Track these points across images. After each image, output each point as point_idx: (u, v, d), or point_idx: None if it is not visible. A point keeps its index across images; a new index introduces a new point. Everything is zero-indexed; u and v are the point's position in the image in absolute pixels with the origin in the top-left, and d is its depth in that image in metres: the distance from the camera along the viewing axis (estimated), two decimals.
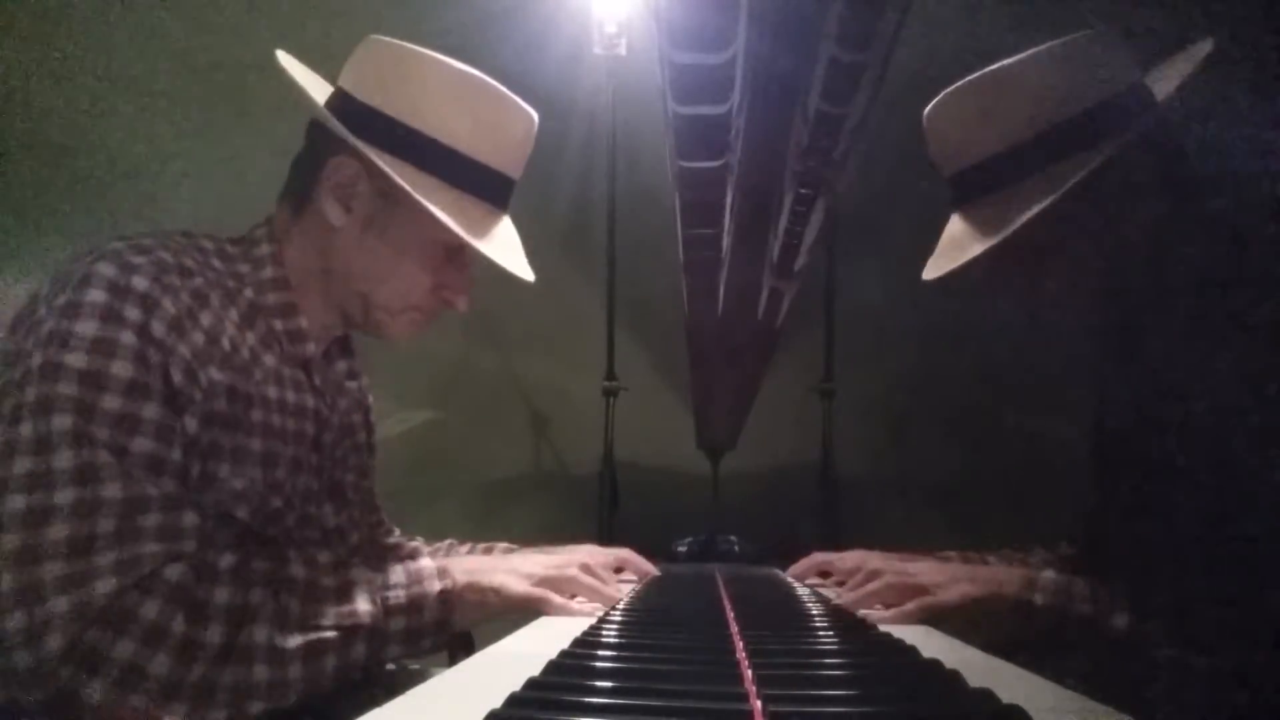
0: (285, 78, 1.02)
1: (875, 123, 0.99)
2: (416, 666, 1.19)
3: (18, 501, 0.78)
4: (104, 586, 0.78)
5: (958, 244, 1.06)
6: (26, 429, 0.80)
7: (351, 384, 1.17)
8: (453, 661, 1.10)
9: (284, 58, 1.05)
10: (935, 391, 2.60)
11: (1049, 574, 1.00)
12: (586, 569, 1.09)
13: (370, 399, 1.26)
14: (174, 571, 0.81)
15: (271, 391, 0.99)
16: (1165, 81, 1.01)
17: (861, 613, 1.03)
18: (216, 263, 0.99)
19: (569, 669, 0.61)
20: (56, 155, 2.21)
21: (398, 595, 0.95)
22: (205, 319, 0.92)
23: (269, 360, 1.00)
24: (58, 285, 0.87)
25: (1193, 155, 1.01)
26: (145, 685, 0.77)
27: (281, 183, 1.08)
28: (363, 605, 0.91)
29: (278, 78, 1.03)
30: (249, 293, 1.00)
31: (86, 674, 0.76)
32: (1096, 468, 1.15)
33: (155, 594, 0.80)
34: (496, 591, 1.00)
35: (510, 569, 1.03)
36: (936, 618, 1.00)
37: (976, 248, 1.01)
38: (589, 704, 0.51)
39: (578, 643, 0.71)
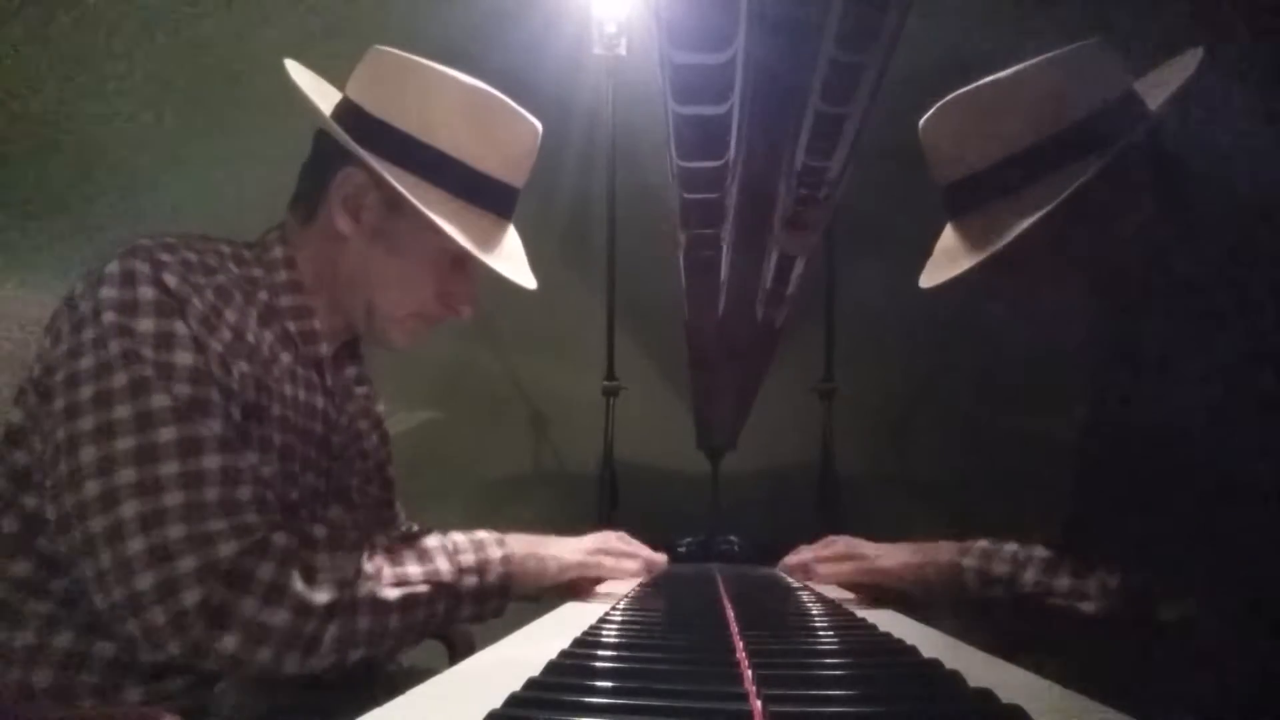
0: (295, 91, 1.03)
1: (875, 123, 0.99)
2: (416, 666, 1.19)
3: (129, 475, 0.83)
4: (226, 549, 0.83)
5: (952, 254, 1.07)
6: (124, 410, 0.85)
7: (359, 390, 1.18)
8: (453, 661, 1.10)
9: (293, 66, 1.06)
10: (935, 391, 2.60)
11: (981, 541, 1.10)
12: (626, 540, 1.19)
13: (381, 408, 1.27)
14: (281, 538, 0.87)
15: (288, 389, 1.02)
16: (1157, 90, 1.01)
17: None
18: (233, 266, 1.01)
19: (569, 669, 0.61)
20: (52, 156, 2.22)
21: (468, 558, 1.02)
22: (230, 315, 0.95)
23: (285, 358, 1.02)
24: (96, 281, 0.90)
25: (1186, 163, 1.01)
26: (268, 639, 0.84)
27: (281, 186, 1.09)
28: (443, 565, 0.99)
29: (284, 84, 1.03)
30: (264, 295, 1.02)
31: (218, 628, 0.82)
32: (1086, 468, 1.16)
33: (270, 557, 0.85)
34: (556, 558, 1.08)
35: (561, 544, 1.12)
36: (875, 581, 1.15)
37: (970, 259, 1.02)
38: (589, 704, 0.51)
39: (578, 643, 0.71)
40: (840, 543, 1.26)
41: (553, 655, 0.63)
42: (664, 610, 1.02)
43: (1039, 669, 0.66)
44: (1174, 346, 0.97)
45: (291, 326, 1.03)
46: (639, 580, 1.20)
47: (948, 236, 1.10)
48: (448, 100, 1.04)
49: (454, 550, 1.01)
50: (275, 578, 0.85)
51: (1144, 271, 1.01)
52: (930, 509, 2.55)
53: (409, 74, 1.04)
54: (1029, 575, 1.03)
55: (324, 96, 1.07)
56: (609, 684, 0.56)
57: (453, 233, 0.99)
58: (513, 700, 0.50)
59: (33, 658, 0.86)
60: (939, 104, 1.06)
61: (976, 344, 2.28)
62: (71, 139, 2.21)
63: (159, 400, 0.85)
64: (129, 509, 0.82)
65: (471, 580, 1.01)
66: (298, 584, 0.86)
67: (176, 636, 0.81)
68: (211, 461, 0.86)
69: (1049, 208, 0.94)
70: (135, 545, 0.81)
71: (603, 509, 2.13)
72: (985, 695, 0.53)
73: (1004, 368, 2.32)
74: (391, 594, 0.93)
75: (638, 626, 0.84)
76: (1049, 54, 1.01)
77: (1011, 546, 1.08)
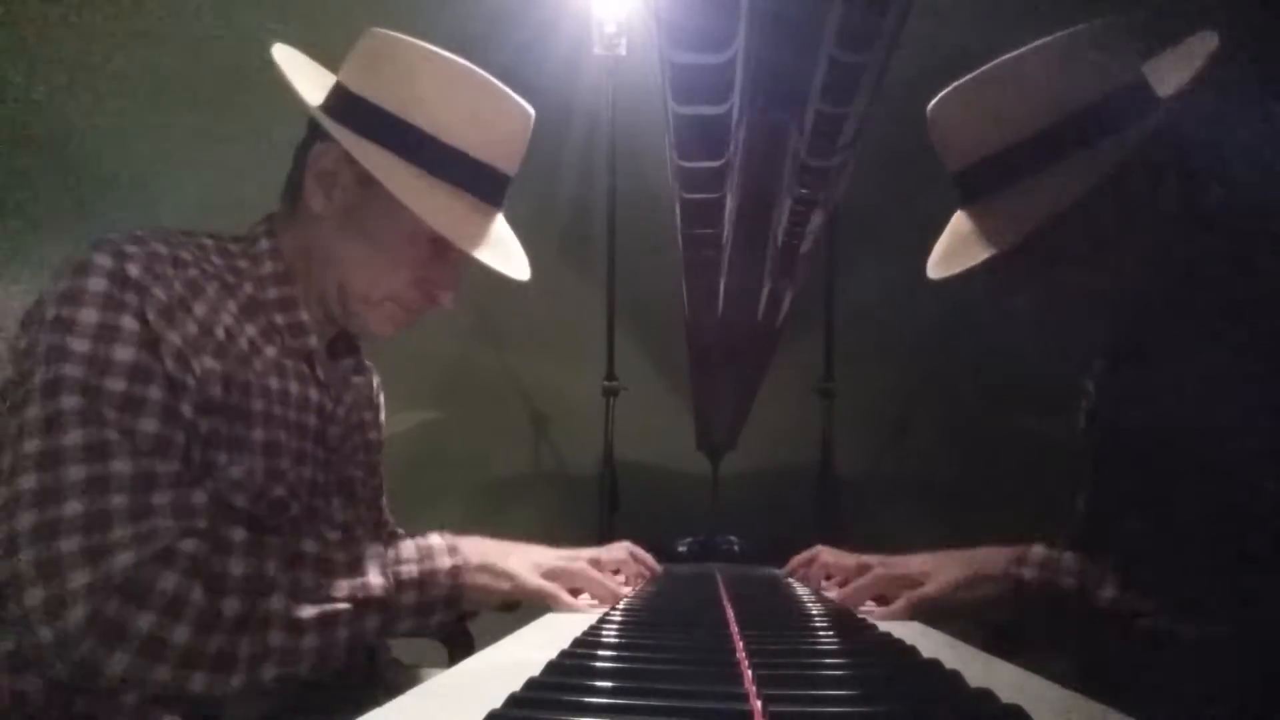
0: (275, 70, 1.01)
1: (876, 123, 0.99)
2: (416, 666, 1.19)
3: (30, 480, 0.80)
4: (122, 560, 0.79)
5: (966, 243, 1.04)
6: (34, 411, 0.82)
7: (358, 379, 1.17)
8: (453, 661, 1.10)
9: (280, 51, 1.04)
10: (935, 391, 2.60)
11: (1038, 548, 1.01)
12: (596, 563, 1.10)
13: (381, 397, 1.26)
14: (189, 545, 0.83)
15: (273, 383, 0.99)
16: (1167, 74, 1.00)
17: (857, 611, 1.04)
18: (216, 259, 0.99)
19: (569, 669, 0.61)
20: (49, 154, 2.22)
21: (409, 570, 0.96)
22: (199, 309, 0.92)
23: (270, 352, 1.00)
24: (59, 276, 0.89)
25: (1208, 156, 1.00)
26: (167, 655, 0.79)
27: (277, 185, 1.08)
28: (375, 578, 0.93)
29: (271, 72, 1.02)
30: (249, 287, 1.00)
31: (108, 646, 0.78)
32: (1095, 466, 1.15)
33: (173, 566, 0.81)
34: (510, 577, 1.02)
35: (523, 556, 1.05)
36: (927, 610, 1.02)
37: (989, 249, 0.99)
38: (589, 704, 0.51)
39: (578, 643, 0.71)
40: (859, 561, 1.15)
41: (553, 655, 0.63)
42: (664, 610, 1.01)
43: (1039, 669, 0.66)
44: (1193, 339, 0.96)
45: (279, 319, 1.01)
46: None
47: (959, 224, 1.08)
48: (431, 78, 1.01)
49: (395, 561, 0.96)
50: (176, 589, 0.80)
51: (1160, 265, 0.99)
52: (930, 509, 2.55)
53: (396, 53, 1.02)
54: (1107, 591, 0.94)
55: (321, 83, 1.06)
56: (609, 684, 0.56)
57: (417, 209, 0.96)
58: (513, 700, 0.50)
59: (18, 664, 0.84)
60: (948, 88, 1.04)
61: (976, 344, 2.28)
62: (72, 139, 2.21)
63: (68, 401, 0.81)
64: (24, 519, 0.78)
65: (410, 595, 0.95)
66: (201, 596, 0.81)
67: (63, 656, 0.77)
68: (122, 466, 0.81)
69: (1080, 191, 0.91)
70: (25, 559, 0.77)
71: (603, 509, 2.13)
72: (985, 695, 0.53)
73: (1004, 368, 2.32)
74: (307, 611, 0.87)
75: (638, 626, 0.84)
76: (1056, 35, 0.99)
77: (1074, 556, 0.98)
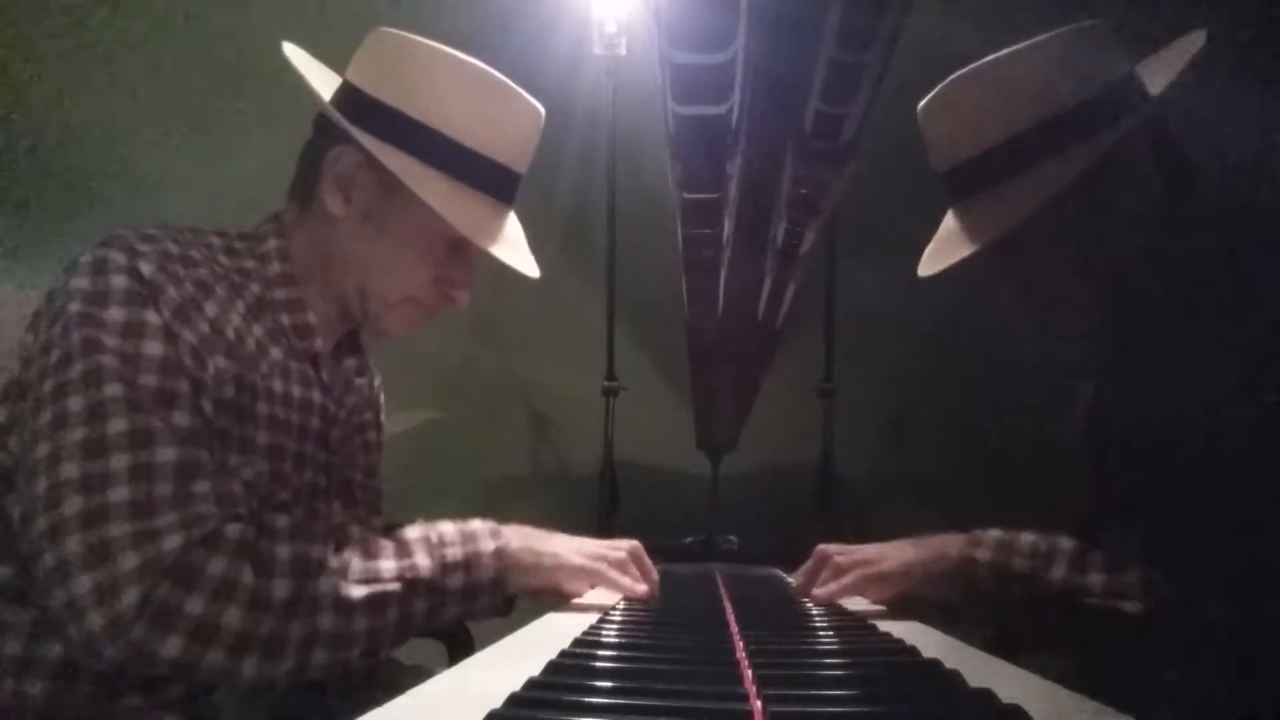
0: (290, 69, 1.01)
1: (875, 124, 0.99)
2: (416, 666, 1.19)
3: (75, 468, 0.79)
4: (171, 544, 0.79)
5: (953, 240, 1.05)
6: (77, 401, 0.82)
7: (360, 381, 1.17)
8: (453, 661, 1.10)
9: (290, 50, 1.04)
10: (935, 391, 2.60)
11: (993, 532, 1.03)
12: (637, 556, 1.10)
13: (382, 397, 1.26)
14: (235, 529, 0.83)
15: (277, 385, 0.99)
16: (1158, 73, 1.01)
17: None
18: (223, 258, 0.99)
19: (569, 669, 0.61)
20: (53, 156, 2.22)
21: (454, 552, 0.96)
22: (210, 309, 0.92)
23: (275, 354, 0.99)
24: (73, 273, 0.88)
25: (1190, 149, 1.01)
26: (219, 639, 0.79)
27: (278, 182, 1.08)
28: (422, 560, 0.93)
29: (282, 71, 1.01)
30: (256, 288, 1.00)
31: (162, 630, 0.77)
32: (1093, 465, 1.16)
33: (221, 550, 0.81)
34: (554, 555, 1.02)
35: (566, 540, 1.06)
36: (878, 586, 1.05)
37: (971, 245, 1.00)
38: (589, 704, 0.51)
39: (578, 643, 0.71)
40: (834, 554, 1.16)
41: (553, 655, 0.63)
42: (664, 610, 1.01)
43: (1040, 669, 0.66)
44: (1177, 336, 0.96)
45: (285, 320, 1.01)
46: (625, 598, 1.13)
47: (949, 223, 1.09)
48: (445, 79, 1.01)
49: (439, 543, 0.95)
50: (226, 572, 0.80)
51: (1147, 259, 1.00)
52: (930, 509, 2.55)
53: (407, 53, 1.02)
54: (1057, 572, 0.97)
55: (326, 81, 1.06)
56: (609, 684, 0.56)
57: (444, 213, 0.97)
58: (513, 700, 0.50)
59: (24, 667, 0.84)
60: (936, 89, 1.05)
61: (976, 344, 2.28)
62: (73, 139, 2.21)
63: (111, 390, 0.82)
64: (71, 506, 0.78)
65: (457, 578, 0.94)
66: (251, 578, 0.81)
67: (115, 640, 0.77)
68: (165, 454, 0.82)
69: (1055, 189, 0.92)
70: (73, 545, 0.77)
71: (603, 509, 2.13)
72: (985, 695, 0.53)
73: (1004, 367, 2.32)
74: (358, 591, 0.86)
75: (638, 626, 0.84)
76: (1046, 35, 1.00)
77: (1029, 537, 1.01)
